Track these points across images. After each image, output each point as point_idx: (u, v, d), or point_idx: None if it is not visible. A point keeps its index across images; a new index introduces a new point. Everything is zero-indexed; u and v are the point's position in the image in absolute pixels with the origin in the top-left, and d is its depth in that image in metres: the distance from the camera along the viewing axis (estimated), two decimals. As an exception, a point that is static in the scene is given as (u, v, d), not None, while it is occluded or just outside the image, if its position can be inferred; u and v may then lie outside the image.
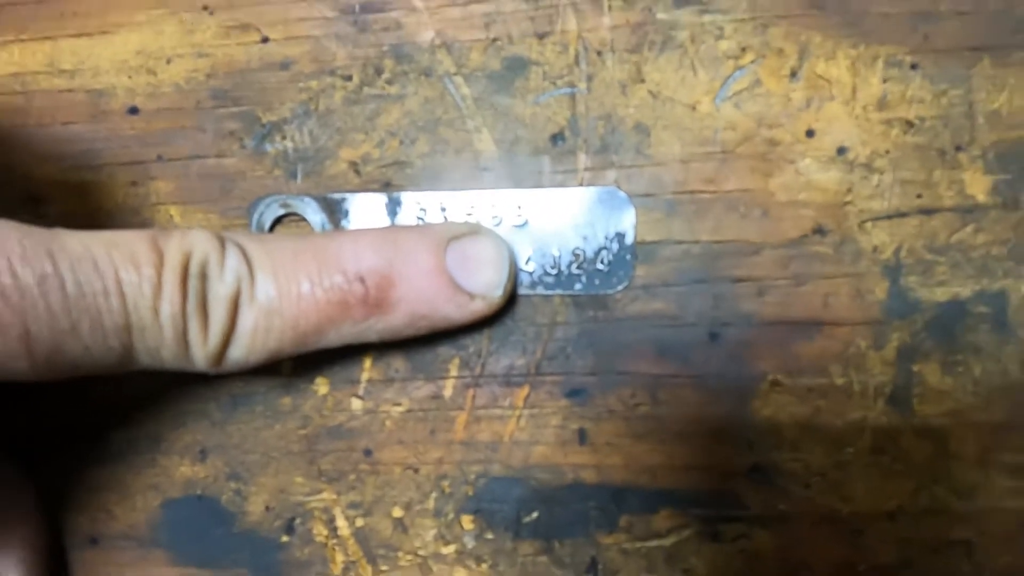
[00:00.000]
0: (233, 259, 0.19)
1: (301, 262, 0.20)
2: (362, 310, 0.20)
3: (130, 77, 0.24)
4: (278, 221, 0.24)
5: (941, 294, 0.21)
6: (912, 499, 0.21)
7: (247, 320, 0.19)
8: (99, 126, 0.24)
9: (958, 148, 0.21)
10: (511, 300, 0.23)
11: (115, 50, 0.24)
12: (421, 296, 0.20)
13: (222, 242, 0.19)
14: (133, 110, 0.24)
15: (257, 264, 0.19)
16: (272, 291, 0.19)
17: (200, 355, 0.19)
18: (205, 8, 0.24)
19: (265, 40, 0.24)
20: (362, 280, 0.20)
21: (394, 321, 0.20)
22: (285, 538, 0.24)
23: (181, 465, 0.24)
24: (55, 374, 0.17)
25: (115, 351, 0.18)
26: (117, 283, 0.17)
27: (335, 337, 0.20)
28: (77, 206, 0.24)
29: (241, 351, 0.19)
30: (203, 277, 0.19)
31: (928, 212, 0.21)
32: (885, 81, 0.21)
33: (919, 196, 0.21)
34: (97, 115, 0.24)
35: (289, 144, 0.24)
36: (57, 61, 0.24)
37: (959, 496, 0.21)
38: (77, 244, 0.17)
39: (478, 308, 0.21)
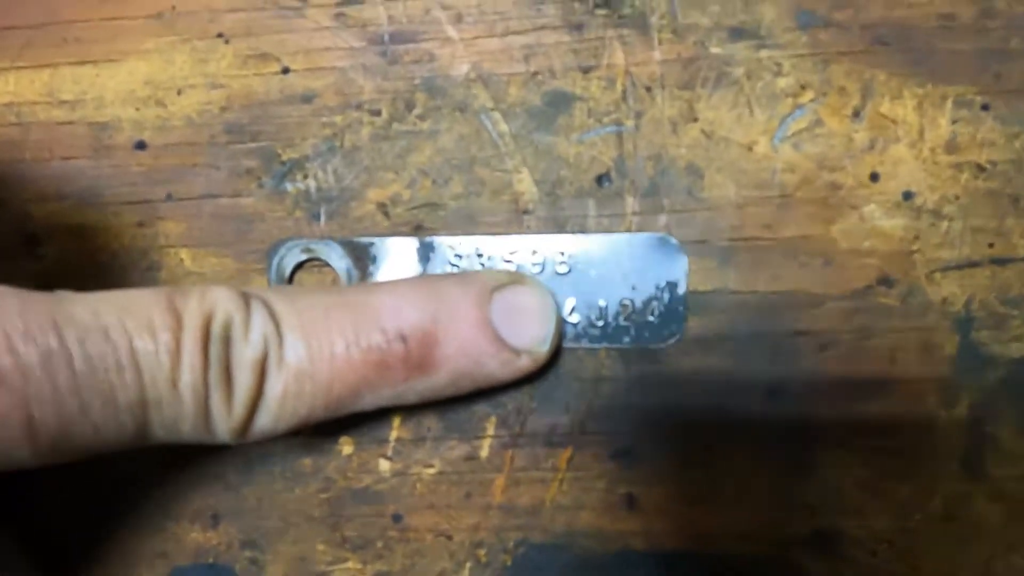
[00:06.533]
0: (259, 318, 0.17)
1: (335, 319, 0.18)
2: (403, 371, 0.18)
3: (137, 109, 0.22)
4: (299, 267, 0.22)
5: (1016, 350, 0.20)
6: (986, 569, 0.20)
7: (276, 385, 0.17)
8: (103, 162, 0.22)
9: (1032, 194, 0.20)
10: (554, 353, 0.21)
11: (121, 80, 0.22)
12: (466, 353, 0.19)
13: (246, 300, 0.17)
14: (140, 145, 0.22)
15: (286, 323, 0.18)
16: (303, 352, 0.18)
17: (223, 427, 0.17)
18: (220, 36, 0.22)
19: (286, 71, 0.22)
20: (403, 338, 0.18)
21: (437, 382, 0.19)
22: (305, 611, 0.22)
23: (191, 531, 0.22)
24: (60, 459, 0.15)
25: (128, 429, 0.16)
26: (131, 354, 0.15)
27: (371, 400, 0.18)
28: (78, 247, 0.22)
29: (269, 419, 0.18)
30: (226, 340, 0.17)
31: (1001, 262, 0.20)
32: (954, 122, 0.20)
33: (991, 245, 0.20)
34: (100, 150, 0.22)
35: (311, 183, 0.22)
36: (57, 91, 0.22)
37: (1036, 566, 0.20)
38: (86, 312, 0.15)
39: (524, 365, 0.20)
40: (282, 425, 0.18)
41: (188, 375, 0.16)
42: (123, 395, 0.15)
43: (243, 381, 0.17)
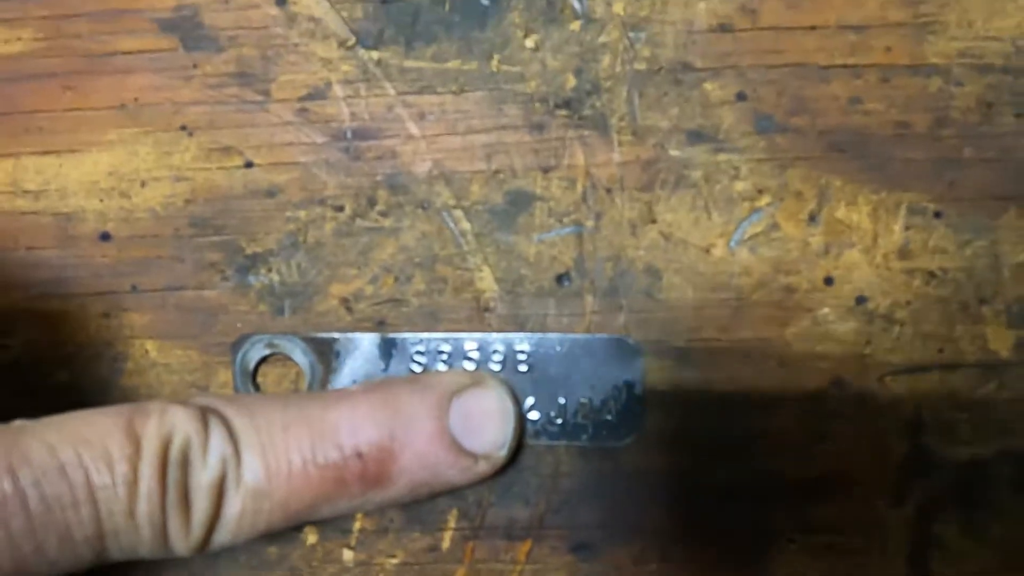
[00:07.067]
0: (217, 439, 0.18)
1: (292, 435, 0.18)
2: (359, 486, 0.18)
3: (101, 200, 0.22)
4: (263, 360, 0.22)
5: (963, 453, 0.21)
6: (930, 664, 0.21)
7: (233, 506, 0.18)
8: (67, 252, 0.22)
9: (981, 301, 0.20)
10: (515, 449, 0.21)
11: (84, 170, 0.22)
12: (423, 464, 0.19)
13: (205, 421, 0.18)
14: (105, 236, 0.22)
15: (244, 442, 0.18)
16: (260, 471, 0.18)
17: (181, 546, 0.17)
18: (183, 128, 0.22)
19: (249, 165, 0.22)
20: (360, 456, 0.18)
21: (394, 493, 0.19)
22: None
23: (159, 618, 0.23)
24: (16, 592, 0.16)
25: (85, 559, 0.16)
26: (88, 489, 0.16)
27: (328, 512, 0.19)
28: (43, 337, 0.23)
29: (227, 536, 0.18)
30: (184, 463, 0.17)
31: (950, 367, 0.21)
32: (907, 229, 0.21)
33: (940, 350, 0.21)
34: (65, 240, 0.22)
35: (275, 277, 0.22)
36: (20, 180, 0.23)
37: (978, 661, 0.21)
38: (41, 448, 0.16)
39: (482, 470, 0.20)
40: (240, 539, 0.18)
41: (145, 504, 0.16)
42: (79, 531, 0.16)
43: (201, 504, 0.17)
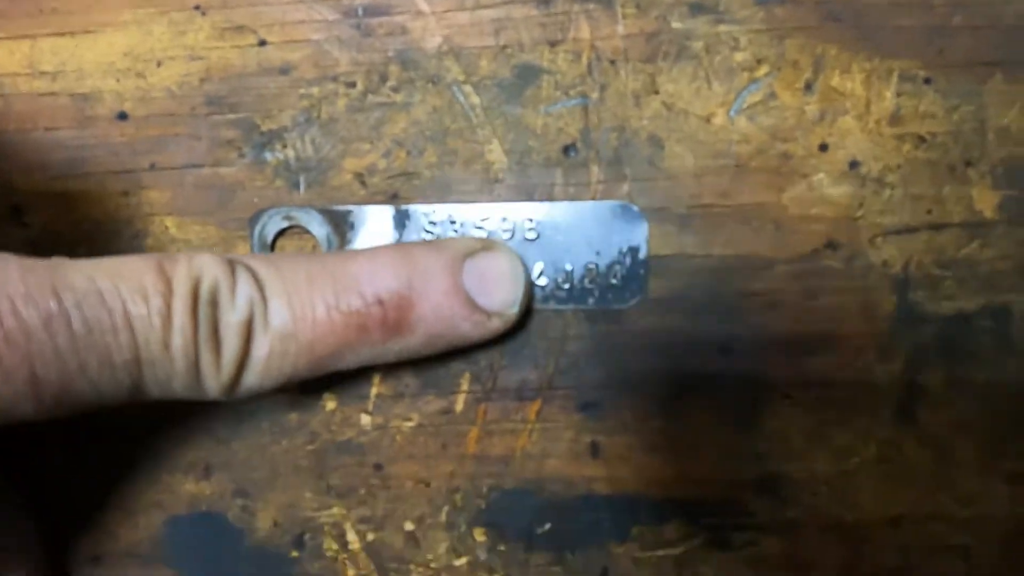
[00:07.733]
0: (244, 284, 0.18)
1: (316, 285, 0.19)
2: (380, 333, 0.19)
3: (118, 80, 0.23)
4: (281, 234, 0.23)
5: (947, 308, 0.22)
6: (915, 506, 0.22)
7: (261, 346, 0.19)
8: (85, 132, 0.23)
9: (968, 164, 0.21)
10: (524, 314, 0.22)
11: (100, 51, 0.23)
12: (440, 316, 0.20)
13: (232, 266, 0.19)
14: (122, 115, 0.23)
15: (269, 288, 0.19)
16: (287, 315, 0.19)
17: (213, 384, 0.18)
18: (197, 8, 0.23)
19: (262, 43, 0.23)
20: (381, 302, 0.19)
21: (412, 342, 0.20)
22: (295, 553, 0.24)
23: (185, 482, 0.24)
24: (61, 412, 0.17)
25: (124, 386, 0.17)
26: (126, 317, 0.17)
27: (352, 359, 0.20)
28: (63, 216, 0.23)
29: (255, 377, 0.19)
30: (214, 304, 0.18)
31: (937, 227, 0.22)
32: (898, 95, 0.21)
33: (928, 212, 0.22)
34: (83, 121, 0.23)
35: (290, 153, 0.23)
36: (37, 62, 0.23)
37: (960, 503, 0.22)
38: (82, 277, 0.16)
39: (495, 326, 0.21)
40: (268, 383, 0.19)
41: (179, 337, 0.17)
42: (118, 355, 0.17)
43: (231, 343, 0.18)
